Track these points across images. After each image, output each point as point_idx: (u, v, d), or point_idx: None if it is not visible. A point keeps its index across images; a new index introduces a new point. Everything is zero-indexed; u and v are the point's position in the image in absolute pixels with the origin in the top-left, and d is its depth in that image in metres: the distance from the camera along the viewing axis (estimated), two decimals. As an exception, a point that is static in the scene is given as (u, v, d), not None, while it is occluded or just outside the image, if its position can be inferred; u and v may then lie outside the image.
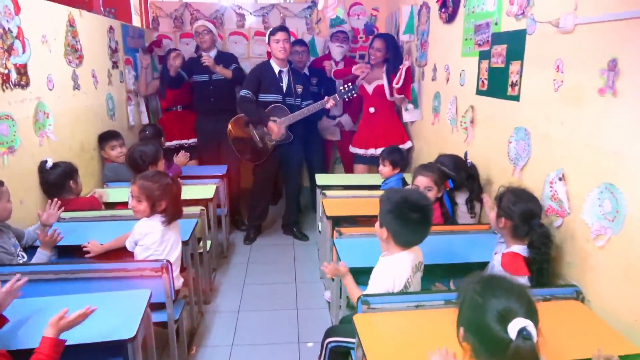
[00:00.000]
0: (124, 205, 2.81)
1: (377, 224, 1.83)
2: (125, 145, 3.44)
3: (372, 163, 3.90)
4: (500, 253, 1.94)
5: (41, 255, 2.15)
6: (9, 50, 2.35)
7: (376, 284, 1.78)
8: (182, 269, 2.38)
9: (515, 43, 2.27)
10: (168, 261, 1.98)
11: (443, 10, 3.14)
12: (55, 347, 1.41)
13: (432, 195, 2.50)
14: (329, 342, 1.95)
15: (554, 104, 1.97)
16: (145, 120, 4.40)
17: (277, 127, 3.61)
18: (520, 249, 1.89)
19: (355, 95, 3.71)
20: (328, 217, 2.75)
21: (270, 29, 3.72)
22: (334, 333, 1.98)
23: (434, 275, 2.14)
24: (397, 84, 3.57)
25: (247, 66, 4.52)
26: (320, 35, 4.93)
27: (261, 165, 3.87)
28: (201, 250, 2.83)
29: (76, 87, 3.12)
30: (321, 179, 3.51)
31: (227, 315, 2.82)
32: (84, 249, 2.23)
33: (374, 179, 3.40)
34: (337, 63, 4.36)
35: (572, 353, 1.47)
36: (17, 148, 2.41)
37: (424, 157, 3.55)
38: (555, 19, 1.88)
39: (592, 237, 1.75)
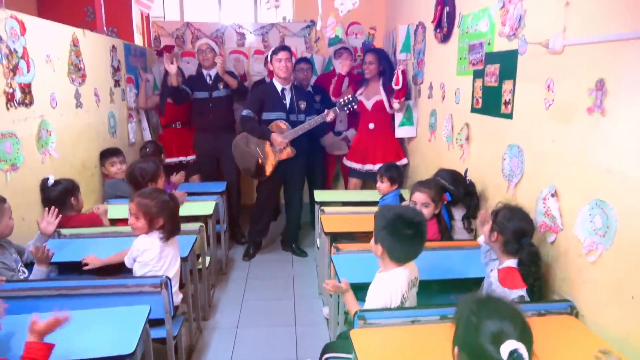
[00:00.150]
0: (124, 222, 2.84)
1: (372, 240, 1.87)
2: (126, 162, 3.48)
3: (367, 178, 3.95)
4: (496, 269, 1.97)
5: (38, 271, 2.17)
6: (14, 70, 2.41)
7: (373, 300, 1.80)
8: (181, 285, 2.40)
9: (507, 63, 2.33)
10: (167, 277, 2.01)
11: (438, 30, 3.22)
12: (38, 350, 1.44)
13: (429, 211, 2.54)
14: (327, 358, 1.96)
15: (546, 122, 2.02)
16: (147, 136, 4.45)
17: (280, 138, 3.65)
18: (514, 262, 1.93)
19: (355, 106, 3.72)
20: (326, 233, 2.78)
21: (273, 49, 3.77)
22: (331, 349, 2.00)
23: (430, 290, 2.16)
24: (397, 84, 3.64)
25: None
26: (319, 53, 5.02)
27: (265, 182, 3.90)
28: (200, 267, 2.85)
29: (79, 105, 3.17)
30: (319, 195, 3.55)
31: (225, 332, 2.83)
32: (82, 262, 2.25)
33: (372, 195, 3.44)
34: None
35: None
36: (20, 165, 2.45)
37: (421, 173, 3.60)
38: (545, 40, 1.94)
39: (584, 253, 1.78)
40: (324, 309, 3.05)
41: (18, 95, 2.45)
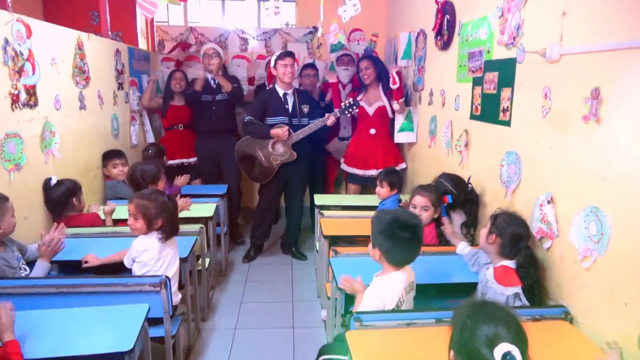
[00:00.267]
0: (124, 222, 2.86)
1: (370, 245, 1.89)
2: (128, 164, 3.52)
3: (368, 183, 3.97)
4: (492, 267, 2.01)
5: (40, 266, 2.19)
6: (20, 72, 2.45)
7: (368, 303, 1.82)
8: (181, 286, 2.43)
9: (506, 71, 2.36)
10: (167, 277, 2.03)
11: (439, 37, 3.25)
12: (19, 347, 1.52)
13: (428, 215, 2.56)
14: (323, 360, 1.98)
15: (543, 129, 2.05)
16: (150, 139, 4.50)
17: (281, 130, 3.66)
18: (510, 263, 1.97)
19: (357, 109, 3.74)
20: (325, 237, 2.80)
21: (278, 53, 3.78)
22: (327, 351, 2.01)
23: (427, 295, 2.18)
24: (394, 84, 3.69)
25: (246, 88, 4.65)
26: (321, 59, 5.06)
27: (267, 186, 3.93)
28: (200, 268, 2.87)
29: (82, 107, 3.21)
30: (319, 199, 3.57)
31: (223, 333, 2.85)
32: (82, 260, 2.28)
33: (372, 200, 3.46)
34: (344, 86, 4.46)
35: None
36: (24, 165, 2.48)
37: (420, 178, 3.62)
38: (542, 49, 1.97)
39: (579, 259, 1.80)
40: (322, 312, 3.07)
41: (23, 96, 2.48)
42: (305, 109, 3.81)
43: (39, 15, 4.54)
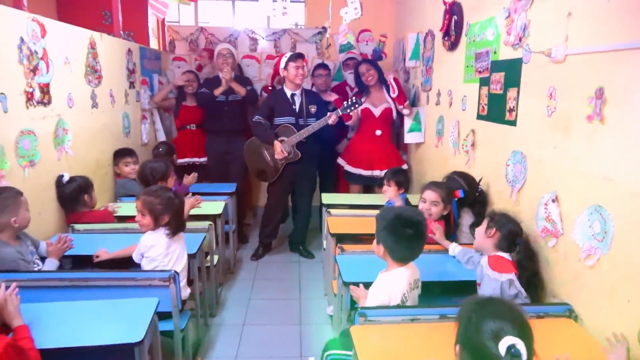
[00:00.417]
0: (134, 219, 2.92)
1: (375, 241, 1.92)
2: (139, 163, 3.57)
3: (371, 183, 4.00)
4: (486, 257, 2.09)
5: (49, 263, 2.25)
6: (34, 70, 2.51)
7: (373, 299, 1.85)
8: (190, 282, 2.47)
9: (512, 71, 2.38)
10: (176, 272, 2.08)
11: (446, 38, 3.27)
12: (28, 331, 1.58)
13: (438, 210, 2.59)
14: (328, 355, 2.01)
15: (548, 129, 2.06)
16: (161, 137, 4.56)
17: (279, 147, 3.72)
18: (504, 254, 2.06)
19: (359, 107, 3.75)
20: (332, 235, 2.83)
21: (289, 55, 3.81)
22: (333, 345, 2.04)
23: (432, 292, 2.20)
24: (394, 93, 3.78)
25: (258, 88, 4.69)
26: (330, 59, 5.09)
27: (274, 185, 3.97)
28: (208, 264, 2.91)
29: (94, 105, 3.27)
30: (327, 198, 3.60)
31: (231, 329, 2.89)
32: (94, 255, 2.34)
33: (379, 199, 3.48)
34: (352, 89, 4.50)
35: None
36: (37, 162, 2.54)
37: (427, 178, 3.63)
38: (548, 49, 1.99)
39: (583, 257, 1.81)
40: (328, 307, 3.10)
41: (37, 94, 2.54)
42: (313, 109, 3.84)
43: (52, 15, 4.61)
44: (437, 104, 3.56)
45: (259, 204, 5.13)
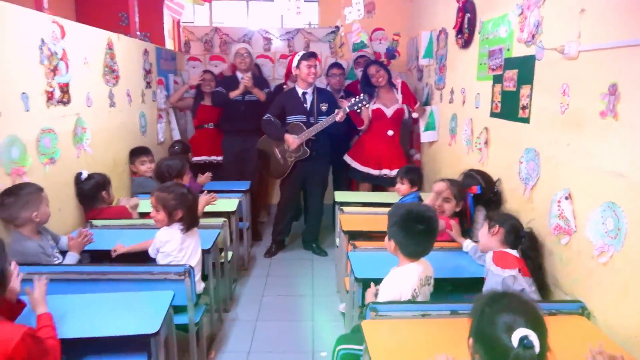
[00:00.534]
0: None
1: (387, 237, 1.94)
2: (155, 161, 3.63)
3: (380, 183, 4.02)
4: (491, 252, 2.10)
5: (70, 257, 2.32)
6: (54, 71, 2.58)
7: (385, 294, 1.87)
8: (204, 278, 2.52)
9: (525, 68, 2.37)
10: (190, 266, 2.12)
11: (459, 36, 3.27)
12: (51, 319, 1.62)
13: (450, 206, 2.60)
14: (340, 350, 2.03)
15: (561, 126, 2.06)
16: (176, 136, 4.64)
17: (292, 139, 3.75)
18: (511, 250, 2.08)
19: (366, 104, 3.75)
20: (345, 232, 2.85)
21: (302, 54, 3.85)
22: (345, 341, 2.07)
23: (444, 290, 2.21)
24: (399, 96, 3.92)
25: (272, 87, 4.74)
26: (343, 58, 5.11)
27: (286, 183, 4.02)
28: (222, 261, 2.96)
29: (112, 104, 3.34)
30: (340, 196, 3.63)
31: (245, 324, 2.93)
32: (112, 250, 2.40)
33: (392, 197, 3.49)
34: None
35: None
36: (57, 159, 2.61)
37: (440, 176, 3.59)
38: (561, 45, 1.98)
39: (596, 254, 1.80)
40: (340, 305, 3.12)
41: (57, 94, 2.61)
42: (324, 107, 3.86)
43: (71, 17, 4.71)
44: (451, 102, 3.56)
45: (273, 202, 5.17)
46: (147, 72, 4.07)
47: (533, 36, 2.28)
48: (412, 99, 4.04)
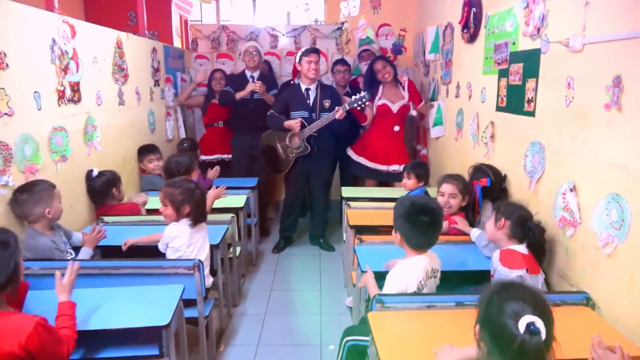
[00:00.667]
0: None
1: (393, 230, 1.96)
2: (162, 158, 3.68)
3: (387, 178, 4.04)
4: (498, 251, 2.09)
5: (84, 252, 2.37)
6: (65, 70, 2.62)
7: (391, 285, 1.90)
8: (213, 273, 2.56)
9: (530, 62, 2.38)
10: (200, 260, 2.16)
11: (465, 30, 3.27)
12: (73, 308, 1.64)
13: (456, 202, 2.61)
14: (347, 341, 2.07)
15: (566, 119, 2.06)
16: (182, 134, 4.68)
17: (294, 122, 3.77)
18: (518, 247, 2.05)
19: (366, 102, 3.74)
20: (351, 227, 2.88)
21: (303, 49, 3.88)
22: (352, 332, 2.10)
23: (450, 283, 2.23)
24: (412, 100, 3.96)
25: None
26: (350, 55, 5.13)
27: (290, 180, 4.06)
28: (231, 256, 3.00)
29: (121, 103, 3.39)
30: (347, 191, 3.65)
31: (253, 318, 2.98)
32: (122, 244, 2.44)
33: (398, 192, 3.50)
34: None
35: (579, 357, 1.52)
36: (69, 157, 2.66)
37: (447, 171, 3.59)
38: (566, 38, 1.99)
39: (600, 246, 1.81)
40: (347, 299, 3.15)
41: (68, 93, 2.66)
42: (327, 103, 3.88)
43: (80, 16, 4.77)
44: (457, 96, 3.56)
45: (281, 199, 5.21)
46: (156, 70, 4.12)
47: (538, 30, 2.28)
48: (417, 98, 4.04)
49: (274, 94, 4.29)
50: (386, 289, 1.89)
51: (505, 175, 2.70)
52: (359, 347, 2.04)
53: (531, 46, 2.38)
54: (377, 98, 3.98)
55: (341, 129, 3.87)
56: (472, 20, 3.17)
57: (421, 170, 3.28)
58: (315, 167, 3.97)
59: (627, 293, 1.68)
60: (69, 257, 2.31)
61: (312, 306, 3.14)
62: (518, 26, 2.52)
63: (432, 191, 3.20)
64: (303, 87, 3.90)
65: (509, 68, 2.63)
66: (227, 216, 2.94)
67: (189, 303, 2.15)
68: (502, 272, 1.99)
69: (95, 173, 2.88)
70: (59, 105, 2.58)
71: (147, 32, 4.17)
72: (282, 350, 2.64)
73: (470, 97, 3.28)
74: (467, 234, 2.53)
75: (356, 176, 4.49)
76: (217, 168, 3.90)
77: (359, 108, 3.79)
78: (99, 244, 2.47)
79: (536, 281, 2.00)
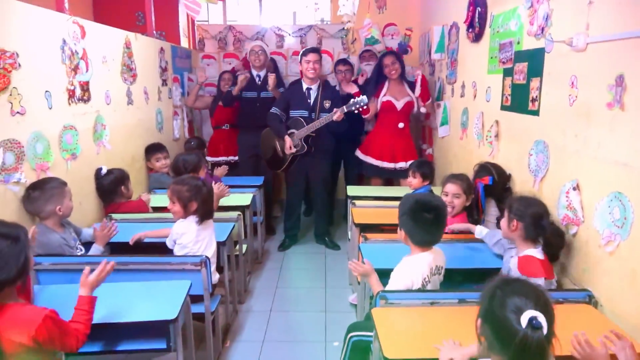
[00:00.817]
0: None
1: (398, 227, 1.99)
2: (170, 157, 3.72)
3: (393, 176, 4.07)
4: (516, 257, 2.04)
5: (95, 249, 2.41)
6: (75, 70, 2.67)
7: (396, 282, 1.92)
8: (220, 270, 2.59)
9: (535, 61, 2.39)
10: (207, 257, 2.19)
11: (470, 30, 3.29)
12: (91, 303, 1.65)
13: (460, 202, 2.63)
14: (352, 337, 2.09)
15: (569, 117, 2.08)
16: (186, 133, 4.73)
17: (289, 142, 3.85)
18: (535, 252, 1.99)
19: (365, 107, 3.74)
20: (356, 225, 2.91)
21: (303, 50, 3.94)
22: (356, 328, 2.12)
23: (454, 281, 2.25)
24: (418, 90, 3.93)
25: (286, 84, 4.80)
26: (355, 54, 5.15)
27: (290, 179, 4.12)
28: (237, 253, 3.03)
29: (130, 102, 3.44)
30: (352, 190, 3.68)
31: (259, 315, 3.01)
32: (130, 239, 2.48)
33: (403, 191, 3.51)
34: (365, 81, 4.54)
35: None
36: (79, 155, 2.71)
37: (452, 170, 3.63)
38: (569, 38, 2.00)
39: (603, 244, 1.83)
40: (351, 296, 3.17)
41: (78, 92, 2.71)
42: (327, 104, 3.91)
43: (89, 16, 4.83)
44: (462, 96, 3.58)
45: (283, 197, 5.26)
46: (163, 70, 4.17)
47: (542, 29, 2.29)
48: (426, 95, 4.06)
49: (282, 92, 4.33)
50: (390, 286, 1.91)
51: (510, 174, 2.71)
52: (363, 343, 2.07)
53: (535, 45, 2.39)
54: (382, 94, 4.01)
55: (339, 130, 3.88)
56: (477, 20, 3.19)
57: (426, 169, 3.30)
58: (313, 167, 4.01)
59: (629, 290, 1.70)
60: (79, 254, 2.35)
61: (317, 304, 3.17)
62: (522, 26, 2.54)
63: (437, 190, 3.21)
64: (304, 86, 3.94)
65: (513, 67, 2.65)
66: (234, 214, 2.97)
67: (195, 299, 2.18)
68: None
69: (104, 171, 2.93)
70: (69, 104, 2.62)
71: (154, 32, 4.22)
72: (286, 347, 2.67)
73: (475, 96, 3.29)
74: (467, 233, 2.55)
75: (361, 175, 4.52)
76: (225, 166, 3.94)
77: (355, 112, 3.79)
78: (109, 241, 2.51)
79: (550, 286, 1.98)
